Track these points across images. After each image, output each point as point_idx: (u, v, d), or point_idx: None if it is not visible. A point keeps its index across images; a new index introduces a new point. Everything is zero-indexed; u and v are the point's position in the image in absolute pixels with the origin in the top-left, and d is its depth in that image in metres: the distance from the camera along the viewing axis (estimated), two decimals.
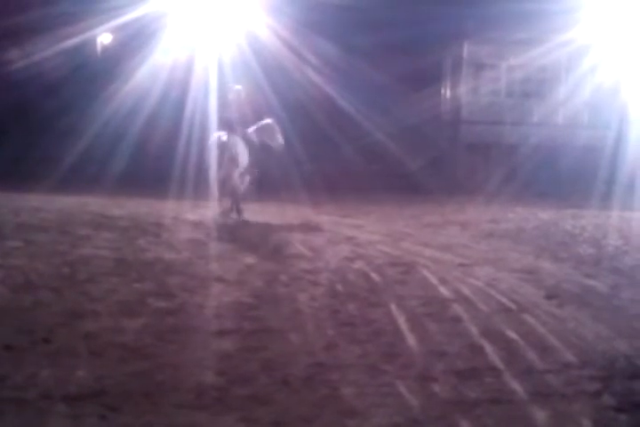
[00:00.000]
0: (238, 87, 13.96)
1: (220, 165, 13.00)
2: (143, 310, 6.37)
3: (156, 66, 19.05)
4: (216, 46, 19.04)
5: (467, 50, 21.07)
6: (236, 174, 13.09)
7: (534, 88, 21.18)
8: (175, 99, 18.61)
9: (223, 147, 13.02)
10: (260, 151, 13.56)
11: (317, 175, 16.52)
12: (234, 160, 13.01)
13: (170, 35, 19.14)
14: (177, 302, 6.72)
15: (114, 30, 21.03)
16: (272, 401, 4.46)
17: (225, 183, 13.05)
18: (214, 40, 19.13)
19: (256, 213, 13.24)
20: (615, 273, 8.65)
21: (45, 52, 19.26)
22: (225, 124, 13.53)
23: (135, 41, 19.61)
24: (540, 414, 4.34)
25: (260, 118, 13.90)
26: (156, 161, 16.77)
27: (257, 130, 13.71)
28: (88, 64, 21.18)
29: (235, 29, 19.26)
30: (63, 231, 10.36)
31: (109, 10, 18.46)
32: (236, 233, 10.94)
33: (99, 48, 22.55)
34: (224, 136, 13.13)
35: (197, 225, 11.50)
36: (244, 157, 13.16)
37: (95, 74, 20.72)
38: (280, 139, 13.81)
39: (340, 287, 7.53)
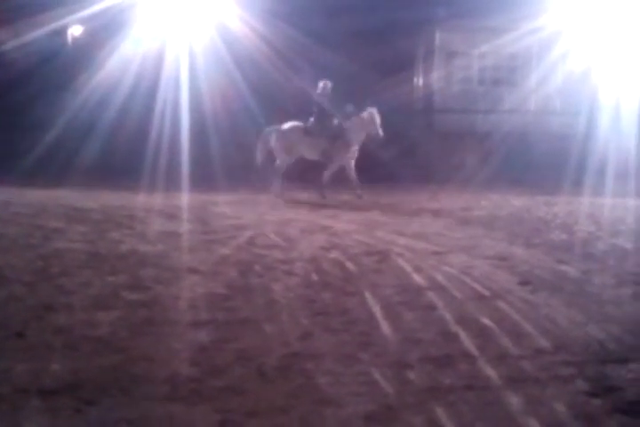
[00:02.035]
0: (324, 81, 14.93)
1: (259, 150, 14.95)
2: (117, 303, 6.35)
3: (126, 57, 18.92)
4: (187, 37, 18.96)
5: (438, 37, 21.07)
6: (279, 160, 14.78)
7: (506, 75, 21.23)
8: (146, 90, 18.51)
9: (267, 135, 14.85)
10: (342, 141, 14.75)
11: (290, 165, 16.50)
12: (283, 149, 14.70)
13: (140, 26, 19.02)
14: (151, 294, 6.70)
15: (84, 21, 20.85)
16: (247, 392, 4.46)
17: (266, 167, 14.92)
18: (185, 31, 19.04)
19: (230, 203, 13.23)
20: (587, 259, 8.71)
21: (15, 42, 19.10)
22: (312, 116, 14.94)
23: (106, 32, 19.47)
24: (514, 400, 4.36)
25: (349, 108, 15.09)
26: (127, 153, 16.68)
27: (355, 120, 14.79)
28: (58, 55, 21.00)
29: (205, 20, 19.17)
30: (35, 225, 10.32)
31: (80, 1, 18.33)
32: (210, 224, 10.92)
33: (69, 39, 22.36)
34: (281, 126, 14.82)
35: (171, 217, 11.47)
36: (298, 147, 14.77)
37: (66, 65, 20.55)
38: (378, 128, 14.58)
39: (314, 277, 7.53)
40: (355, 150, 14.82)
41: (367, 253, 8.85)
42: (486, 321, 5.92)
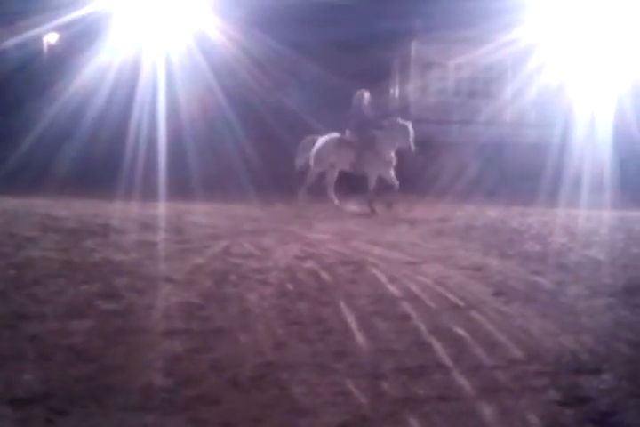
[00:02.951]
0: (363, 91, 14.74)
1: (299, 160, 15.05)
2: (90, 312, 6.30)
3: (103, 65, 18.87)
4: (164, 46, 18.94)
5: (414, 49, 21.18)
6: (314, 172, 14.77)
7: (481, 87, 21.38)
8: (122, 98, 18.46)
9: (305, 146, 14.87)
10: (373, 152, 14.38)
11: (267, 174, 16.50)
12: (314, 159, 14.63)
13: (117, 34, 18.98)
14: (125, 303, 6.66)
15: (60, 29, 20.79)
16: (221, 401, 4.44)
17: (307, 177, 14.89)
18: (162, 39, 19.01)
19: (206, 212, 13.20)
20: (561, 270, 8.76)
21: None
22: (348, 127, 14.72)
23: (82, 40, 19.42)
24: (487, 410, 4.37)
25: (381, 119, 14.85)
26: (104, 161, 16.62)
27: (387, 131, 14.43)
28: (34, 63, 20.93)
29: (182, 29, 19.16)
30: (8, 233, 10.22)
31: (56, 9, 18.26)
32: (185, 233, 10.88)
33: (45, 47, 22.28)
34: (321, 137, 14.70)
35: (146, 226, 11.42)
36: (330, 157, 14.58)
37: (41, 73, 20.48)
38: (410, 141, 14.31)
39: (289, 286, 7.52)
40: (387, 162, 14.50)
41: (342, 262, 8.85)
42: (460, 331, 5.94)
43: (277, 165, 17.82)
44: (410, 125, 14.43)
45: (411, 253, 9.67)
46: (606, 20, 19.30)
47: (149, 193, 13.98)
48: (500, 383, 4.83)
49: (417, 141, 20.48)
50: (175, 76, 18.80)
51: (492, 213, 14.31)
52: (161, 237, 10.49)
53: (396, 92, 22.87)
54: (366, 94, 14.77)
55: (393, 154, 14.49)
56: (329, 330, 5.94)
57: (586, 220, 13.39)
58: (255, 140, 18.46)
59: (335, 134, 14.80)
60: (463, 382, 4.83)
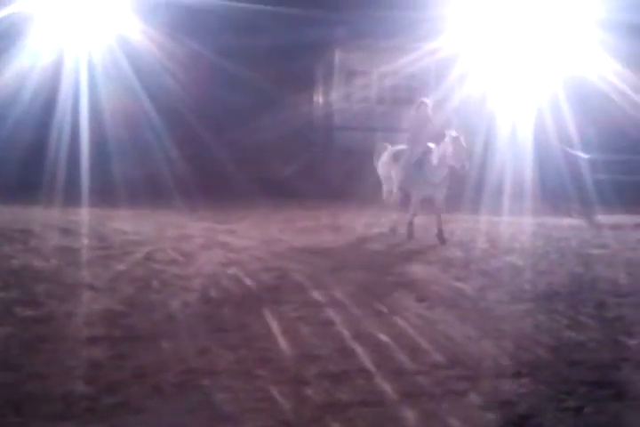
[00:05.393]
0: (425, 100, 12.86)
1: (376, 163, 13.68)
2: (9, 320, 6.18)
3: (23, 68, 18.49)
4: (86, 48, 18.66)
5: (338, 57, 21.30)
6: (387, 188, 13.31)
7: (404, 95, 21.58)
8: (44, 102, 18.10)
9: (378, 151, 13.67)
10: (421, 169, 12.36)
11: (191, 181, 16.39)
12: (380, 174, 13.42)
13: (38, 36, 18.63)
14: (45, 310, 6.55)
15: None
16: (144, 409, 4.40)
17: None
18: (84, 42, 18.73)
19: (129, 218, 13.05)
20: (482, 275, 8.92)
21: None
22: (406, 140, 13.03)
23: (1, 42, 19.00)
24: (409, 414, 4.42)
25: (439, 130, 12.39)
26: (23, 167, 16.28)
27: (440, 147, 12.04)
28: None
29: (105, 32, 18.91)
30: None
31: None
32: (107, 240, 10.74)
33: None
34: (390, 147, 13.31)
35: (67, 232, 11.24)
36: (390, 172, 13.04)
37: None
38: (464, 159, 11.74)
39: (213, 293, 7.50)
40: (436, 182, 12.28)
41: (266, 269, 8.86)
42: (383, 337, 5.99)
43: (202, 170, 17.72)
44: (462, 139, 11.77)
45: (335, 260, 9.72)
46: (527, 32, 19.68)
47: (71, 198, 13.77)
48: (422, 388, 4.89)
49: (342, 148, 20.74)
50: (98, 80, 18.54)
51: (416, 219, 14.45)
52: (82, 243, 10.35)
53: (320, 99, 22.96)
54: (428, 102, 12.71)
55: (445, 173, 12.17)
56: (252, 336, 5.95)
57: (506, 226, 13.63)
58: (180, 144, 18.33)
59: (400, 147, 13.02)
60: (386, 386, 4.88)
